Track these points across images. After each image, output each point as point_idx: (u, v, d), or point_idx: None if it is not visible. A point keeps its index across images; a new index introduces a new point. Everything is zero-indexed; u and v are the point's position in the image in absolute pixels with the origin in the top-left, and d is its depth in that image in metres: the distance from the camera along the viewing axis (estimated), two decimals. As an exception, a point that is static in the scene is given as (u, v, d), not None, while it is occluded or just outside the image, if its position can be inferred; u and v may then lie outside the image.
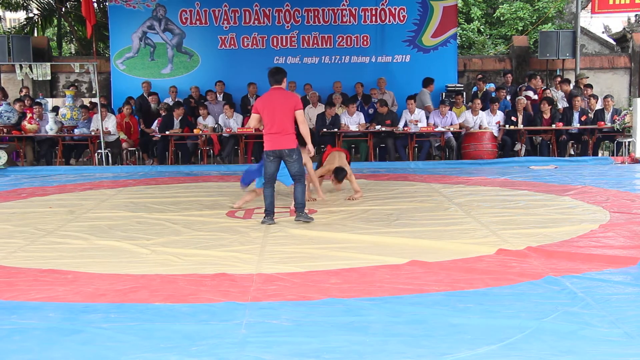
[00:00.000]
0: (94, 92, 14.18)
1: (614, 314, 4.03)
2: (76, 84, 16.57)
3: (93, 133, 13.59)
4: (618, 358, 3.42)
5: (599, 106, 13.98)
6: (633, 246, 5.91)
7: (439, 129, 13.56)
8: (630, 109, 13.36)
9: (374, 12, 16.28)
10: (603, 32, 22.77)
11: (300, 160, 7.49)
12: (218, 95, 15.14)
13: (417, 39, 16.31)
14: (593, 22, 22.95)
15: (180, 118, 13.82)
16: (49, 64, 13.30)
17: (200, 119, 14.03)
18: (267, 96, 7.46)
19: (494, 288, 4.70)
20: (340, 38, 16.29)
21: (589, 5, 17.73)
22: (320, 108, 14.46)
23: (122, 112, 14.26)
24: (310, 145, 7.68)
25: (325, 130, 13.63)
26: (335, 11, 16.22)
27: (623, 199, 8.36)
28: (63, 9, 20.96)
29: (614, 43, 20.23)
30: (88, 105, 14.46)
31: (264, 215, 7.38)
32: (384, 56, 15.93)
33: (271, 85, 7.47)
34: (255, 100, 7.75)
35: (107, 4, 17.04)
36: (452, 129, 13.73)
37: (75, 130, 13.76)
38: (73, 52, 23.36)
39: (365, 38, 16.29)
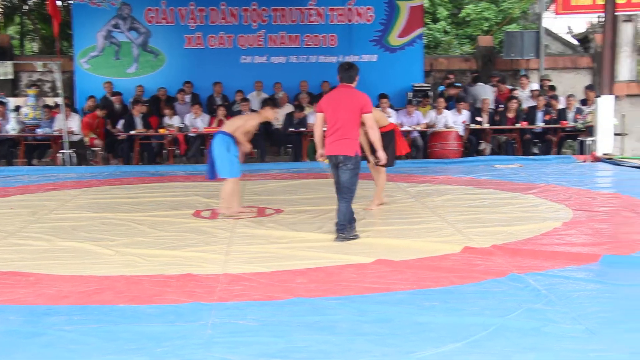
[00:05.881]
0: (57, 91, 13.99)
1: (576, 311, 4.09)
2: (39, 83, 16.34)
3: (56, 133, 13.42)
4: (580, 354, 3.47)
5: (561, 105, 14.18)
6: (594, 243, 6.00)
7: (406, 128, 13.62)
8: (592, 108, 13.55)
9: (341, 12, 16.32)
10: (566, 33, 23.06)
11: (354, 173, 6.42)
12: (186, 96, 15.04)
13: (384, 39, 16.39)
14: (556, 22, 23.20)
15: (141, 115, 13.70)
16: (10, 62, 13.11)
17: (166, 119, 13.93)
18: (332, 94, 6.62)
19: (459, 286, 4.74)
20: (308, 37, 16.30)
21: (553, 6, 17.97)
22: (288, 108, 14.46)
23: (93, 112, 14.05)
24: (381, 153, 6.68)
25: (292, 129, 13.65)
26: (303, 11, 16.22)
27: (585, 197, 8.48)
28: (26, 7, 20.66)
29: (577, 43, 20.52)
30: (51, 104, 14.27)
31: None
32: (351, 56, 15.90)
33: (340, 82, 6.61)
34: (322, 98, 6.87)
35: (70, 2, 16.82)
36: (418, 129, 13.81)
37: (38, 130, 13.57)
38: (36, 51, 23.04)
39: (332, 38, 16.32)
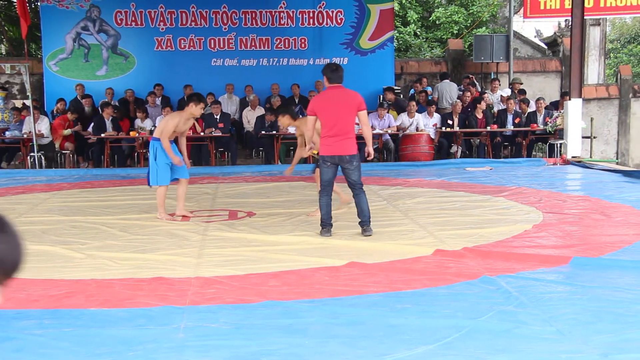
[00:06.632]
0: (26, 93, 13.82)
1: (547, 312, 4.13)
2: (7, 86, 16.13)
3: (25, 136, 13.26)
4: (550, 355, 3.50)
5: (531, 109, 14.34)
6: (565, 245, 6.07)
7: (377, 131, 13.67)
8: (562, 111, 13.71)
9: (311, 15, 16.32)
10: (535, 37, 23.32)
11: (359, 168, 6.72)
12: (157, 99, 14.95)
13: (354, 42, 16.43)
14: (525, 26, 23.46)
15: (111, 118, 13.59)
16: (-23, 64, 12.92)
17: (138, 121, 13.84)
18: (325, 95, 6.69)
19: (431, 288, 4.75)
20: (278, 40, 16.27)
21: (522, 10, 18.15)
22: (260, 111, 14.45)
23: (64, 114, 13.89)
24: (370, 148, 6.82)
25: (263, 132, 13.63)
26: (273, 13, 16.19)
27: (555, 200, 8.57)
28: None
29: (546, 47, 20.77)
30: (20, 107, 14.10)
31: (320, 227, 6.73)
32: (321, 59, 15.93)
33: (329, 82, 6.66)
34: (311, 100, 6.97)
35: (38, 4, 16.62)
36: (389, 131, 13.87)
37: (7, 132, 13.41)
38: (3, 53, 22.74)
39: (303, 40, 16.31)
